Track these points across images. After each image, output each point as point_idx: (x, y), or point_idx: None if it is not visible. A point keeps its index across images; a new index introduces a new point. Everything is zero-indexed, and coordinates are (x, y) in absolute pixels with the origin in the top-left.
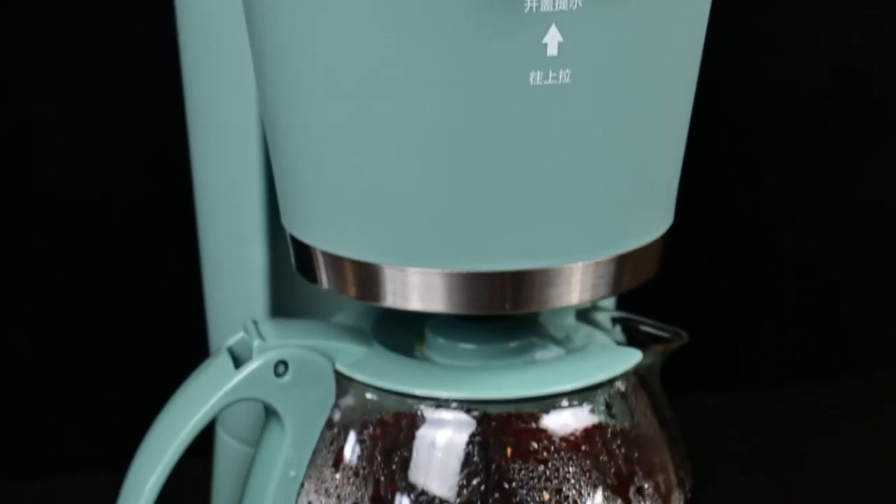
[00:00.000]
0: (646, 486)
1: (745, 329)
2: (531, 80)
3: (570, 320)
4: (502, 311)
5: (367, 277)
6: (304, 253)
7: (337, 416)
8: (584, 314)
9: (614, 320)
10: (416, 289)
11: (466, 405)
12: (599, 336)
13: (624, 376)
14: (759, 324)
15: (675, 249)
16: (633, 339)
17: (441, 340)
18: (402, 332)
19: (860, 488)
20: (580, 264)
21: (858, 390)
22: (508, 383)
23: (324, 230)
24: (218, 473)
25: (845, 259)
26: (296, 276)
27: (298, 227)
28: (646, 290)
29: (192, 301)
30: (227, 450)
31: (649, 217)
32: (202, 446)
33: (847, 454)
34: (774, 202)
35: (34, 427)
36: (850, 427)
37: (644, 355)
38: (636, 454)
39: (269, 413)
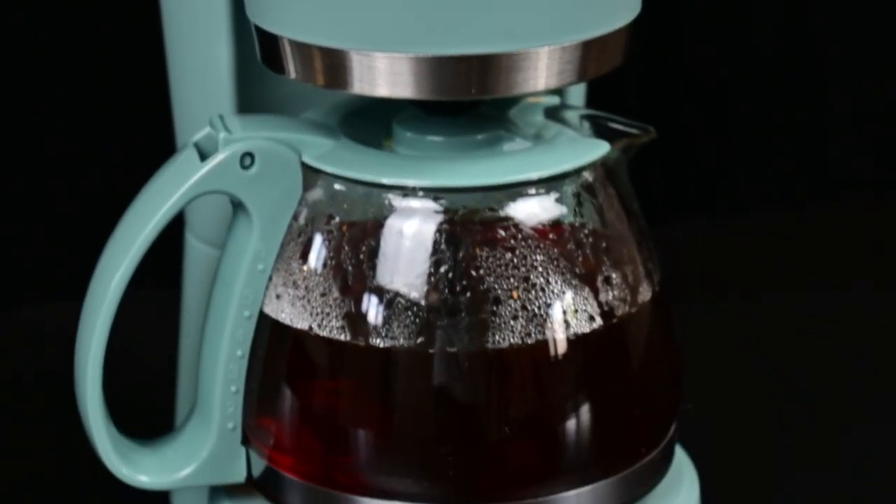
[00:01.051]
0: (613, 275)
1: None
2: None
3: (539, 118)
4: (469, 96)
5: (334, 64)
6: (270, 43)
7: (304, 209)
8: (553, 112)
9: (583, 118)
10: (383, 74)
11: (434, 193)
12: (568, 132)
13: (591, 167)
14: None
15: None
16: (602, 134)
17: (409, 134)
18: (370, 128)
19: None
20: (546, 48)
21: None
22: (476, 171)
23: (290, 17)
24: (187, 279)
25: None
26: (263, 72)
27: (263, 15)
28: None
29: (157, 100)
30: (196, 254)
31: (616, 4)
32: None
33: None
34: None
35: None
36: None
37: (612, 148)
38: (604, 244)
39: (237, 208)
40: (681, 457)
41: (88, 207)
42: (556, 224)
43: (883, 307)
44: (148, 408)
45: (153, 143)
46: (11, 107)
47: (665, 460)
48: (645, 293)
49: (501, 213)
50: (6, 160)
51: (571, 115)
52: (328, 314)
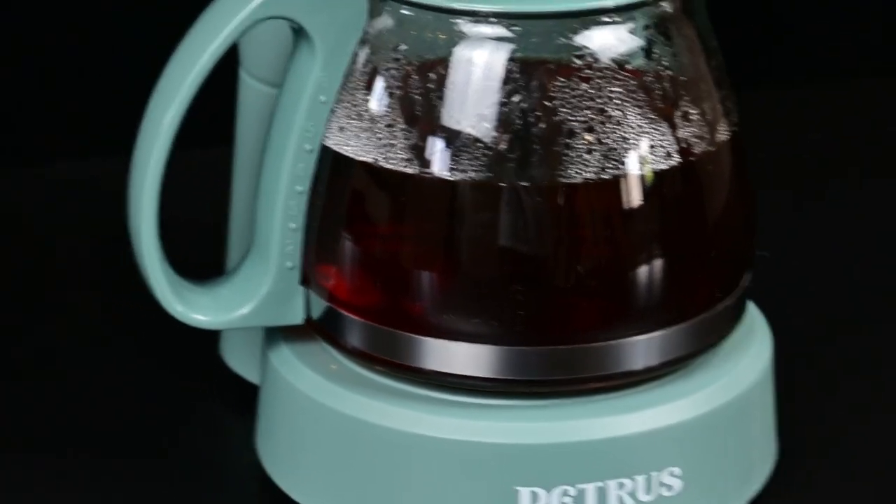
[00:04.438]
0: (691, 111)
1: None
2: None
3: None
4: None
5: None
6: None
7: (369, 37)
8: None
9: None
10: None
11: (507, 19)
12: None
13: None
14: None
15: None
16: None
17: None
18: None
19: None
20: None
21: None
22: None
23: None
24: (241, 120)
25: None
26: None
27: None
28: None
29: None
30: (251, 92)
31: None
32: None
33: None
34: None
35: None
36: None
37: None
38: (682, 78)
39: (297, 36)
40: (753, 311)
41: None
42: (632, 56)
43: None
44: (198, 263)
45: None
46: None
47: (737, 309)
48: (723, 133)
49: (576, 42)
50: (52, 13)
51: None
52: (394, 146)
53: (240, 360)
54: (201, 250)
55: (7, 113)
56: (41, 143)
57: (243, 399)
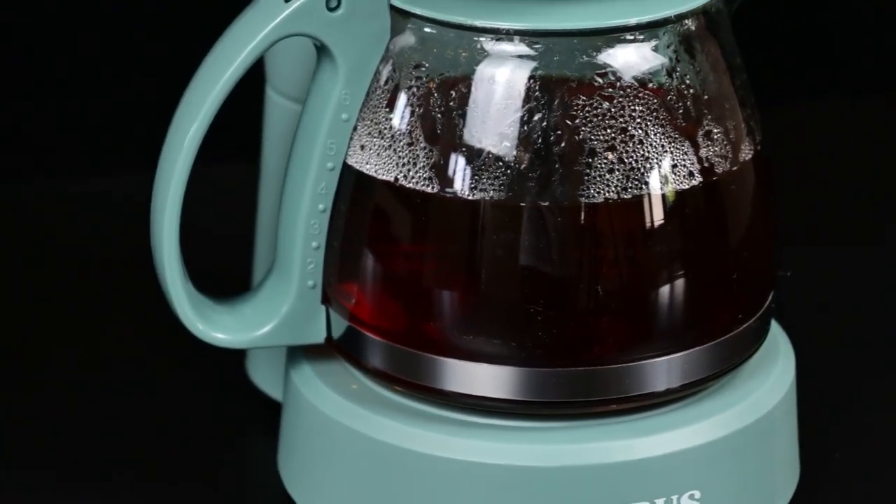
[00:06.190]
0: (714, 131)
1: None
2: None
3: None
4: None
5: None
6: None
7: (391, 55)
8: None
9: None
10: None
11: (529, 37)
12: None
13: (693, 15)
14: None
15: None
16: None
17: None
18: None
19: None
20: None
21: None
22: (573, 14)
23: None
24: (267, 136)
25: None
26: None
27: None
28: None
29: None
30: (276, 109)
31: None
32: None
33: None
34: None
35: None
36: None
37: None
38: (705, 97)
39: (321, 53)
40: (776, 331)
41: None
42: (655, 74)
43: None
44: (221, 279)
45: None
46: None
47: (761, 330)
48: (746, 152)
49: (599, 60)
50: (81, 30)
51: None
52: (415, 164)
53: (265, 378)
54: (229, 266)
55: (35, 128)
56: (69, 158)
57: (268, 417)
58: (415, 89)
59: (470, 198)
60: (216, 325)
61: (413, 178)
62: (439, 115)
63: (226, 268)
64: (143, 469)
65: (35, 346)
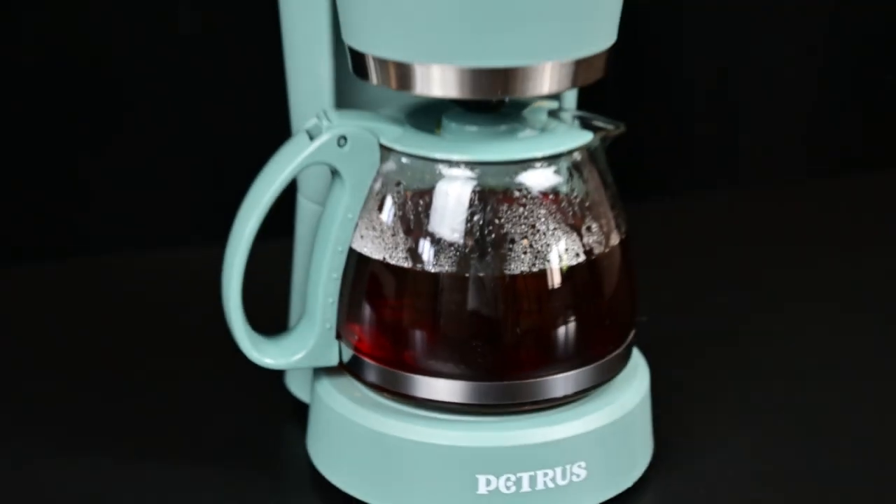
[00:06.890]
0: (593, 226)
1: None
2: None
3: (543, 116)
4: (496, 96)
5: (403, 73)
6: (358, 58)
7: (380, 176)
8: (553, 112)
9: (574, 116)
10: (437, 79)
11: (471, 165)
12: (563, 126)
13: (579, 150)
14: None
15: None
16: (587, 128)
17: (453, 125)
18: (427, 120)
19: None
20: (550, 63)
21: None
22: (500, 150)
23: (373, 39)
24: (299, 229)
25: None
26: (353, 80)
27: (354, 38)
28: (601, 104)
29: (277, 103)
30: (306, 211)
31: (599, 34)
32: (283, 226)
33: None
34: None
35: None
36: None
37: (594, 137)
38: (587, 204)
39: (334, 175)
40: (636, 355)
41: (227, 175)
42: (554, 188)
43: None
44: (269, 323)
45: (273, 129)
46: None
47: (625, 356)
48: (615, 239)
49: (517, 180)
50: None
51: (565, 115)
52: (396, 248)
53: (299, 388)
54: (275, 314)
55: (123, 205)
56: (152, 232)
57: (301, 415)
58: (396, 198)
59: (432, 271)
60: (265, 353)
61: (395, 257)
62: (412, 216)
63: (272, 316)
64: (210, 449)
65: (129, 358)
